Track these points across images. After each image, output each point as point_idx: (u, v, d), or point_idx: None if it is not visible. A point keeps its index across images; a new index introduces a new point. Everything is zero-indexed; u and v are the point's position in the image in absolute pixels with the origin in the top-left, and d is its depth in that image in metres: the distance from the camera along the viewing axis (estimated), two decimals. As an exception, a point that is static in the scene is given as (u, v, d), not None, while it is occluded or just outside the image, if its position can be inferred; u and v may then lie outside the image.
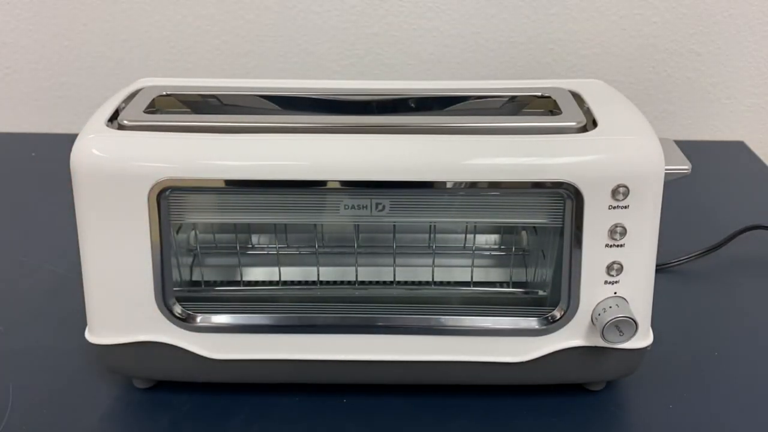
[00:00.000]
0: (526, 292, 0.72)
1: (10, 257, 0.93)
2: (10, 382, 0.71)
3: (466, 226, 0.75)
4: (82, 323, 0.67)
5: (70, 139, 0.63)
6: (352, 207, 0.63)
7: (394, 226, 0.71)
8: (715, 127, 1.29)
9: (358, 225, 0.72)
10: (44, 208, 1.05)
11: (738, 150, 1.25)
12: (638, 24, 1.23)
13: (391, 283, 0.72)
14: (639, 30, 1.23)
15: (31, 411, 0.68)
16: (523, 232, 0.76)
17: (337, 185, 0.61)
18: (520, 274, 0.75)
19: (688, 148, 0.68)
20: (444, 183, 0.61)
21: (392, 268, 0.72)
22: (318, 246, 0.73)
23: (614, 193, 0.60)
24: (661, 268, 0.87)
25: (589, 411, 0.68)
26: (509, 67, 1.26)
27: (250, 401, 0.69)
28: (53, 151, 1.13)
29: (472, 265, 0.72)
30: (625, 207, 0.61)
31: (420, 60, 1.26)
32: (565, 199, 0.61)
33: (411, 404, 0.68)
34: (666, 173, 0.61)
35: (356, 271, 0.72)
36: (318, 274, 0.73)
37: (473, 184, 0.61)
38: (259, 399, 0.69)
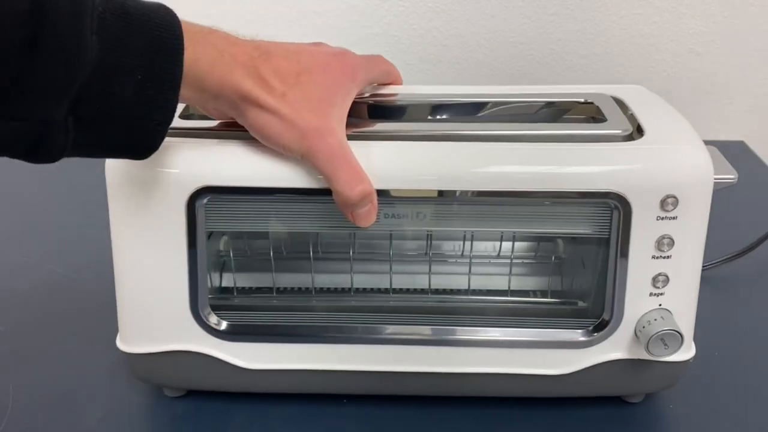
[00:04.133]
0: (564, 302, 0.70)
1: (10, 257, 0.92)
2: (10, 382, 0.70)
3: (502, 235, 0.73)
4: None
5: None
6: (392, 216, 0.61)
7: (429, 234, 0.69)
8: (715, 127, 1.28)
9: (391, 233, 0.71)
10: (45, 209, 1.04)
11: (738, 150, 1.24)
12: (638, 24, 1.22)
13: (425, 291, 0.71)
14: (639, 30, 1.22)
15: (31, 411, 0.67)
16: (559, 240, 0.75)
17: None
18: (554, 283, 0.73)
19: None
20: (489, 192, 0.59)
21: (427, 276, 0.70)
22: (352, 253, 0.71)
23: (663, 203, 0.59)
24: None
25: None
26: (509, 67, 1.25)
27: (251, 401, 0.68)
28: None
29: (510, 274, 0.71)
30: (674, 218, 0.59)
31: (420, 60, 1.25)
32: (612, 209, 0.60)
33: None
34: (714, 183, 0.60)
35: (390, 279, 0.71)
36: (351, 282, 0.71)
37: (518, 194, 0.59)
38: (259, 399, 0.68)
